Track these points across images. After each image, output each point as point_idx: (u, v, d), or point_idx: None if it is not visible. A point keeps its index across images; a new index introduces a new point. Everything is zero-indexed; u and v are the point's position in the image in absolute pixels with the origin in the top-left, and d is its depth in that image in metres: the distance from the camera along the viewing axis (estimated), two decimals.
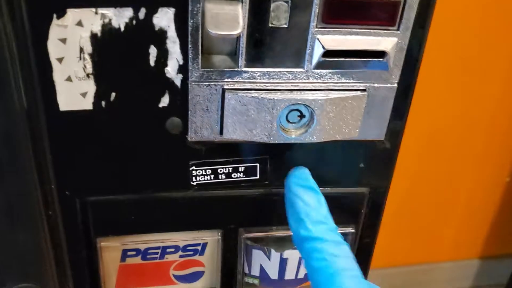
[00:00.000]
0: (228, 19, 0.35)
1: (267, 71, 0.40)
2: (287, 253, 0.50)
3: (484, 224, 1.49)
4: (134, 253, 0.48)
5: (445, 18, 0.99)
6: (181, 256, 0.49)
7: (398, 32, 0.39)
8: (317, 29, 0.38)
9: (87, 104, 0.39)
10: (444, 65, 1.10)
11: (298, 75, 0.40)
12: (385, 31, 0.39)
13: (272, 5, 0.37)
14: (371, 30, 0.39)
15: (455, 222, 1.45)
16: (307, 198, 0.42)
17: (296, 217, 0.42)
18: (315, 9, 0.37)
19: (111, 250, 0.47)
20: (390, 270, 1.45)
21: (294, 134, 0.41)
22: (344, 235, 0.49)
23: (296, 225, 0.42)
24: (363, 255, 0.51)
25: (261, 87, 0.40)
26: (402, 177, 1.20)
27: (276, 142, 0.41)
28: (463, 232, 1.48)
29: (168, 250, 0.48)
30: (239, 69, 0.39)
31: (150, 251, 0.48)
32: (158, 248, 0.48)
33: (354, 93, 0.41)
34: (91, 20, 0.36)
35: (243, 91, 0.40)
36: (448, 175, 1.34)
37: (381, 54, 0.40)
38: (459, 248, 1.51)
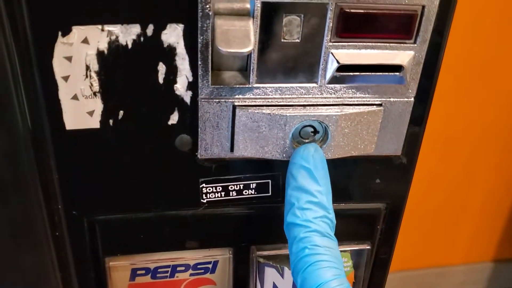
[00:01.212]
0: (239, 36, 0.33)
1: (279, 87, 0.38)
2: None
3: (498, 227, 1.48)
4: (143, 272, 0.47)
5: (457, 22, 0.97)
6: (191, 275, 0.48)
7: (415, 45, 0.38)
8: (331, 43, 0.37)
9: (94, 122, 0.38)
10: (457, 69, 1.08)
11: (311, 90, 0.39)
12: (402, 44, 0.38)
13: (285, 20, 0.36)
14: (387, 44, 0.37)
15: (468, 225, 1.43)
16: (301, 180, 0.38)
17: (287, 200, 0.39)
18: (329, 23, 0.36)
19: (120, 270, 0.46)
20: (403, 273, 1.44)
21: None
22: (360, 252, 0.48)
23: (286, 209, 0.39)
24: (379, 272, 0.50)
25: (273, 103, 0.39)
26: (415, 181, 1.19)
27: (289, 159, 0.40)
28: (476, 235, 1.46)
29: (178, 268, 0.47)
30: (250, 85, 0.38)
31: (160, 270, 0.47)
32: (168, 266, 0.47)
33: (369, 108, 0.40)
34: (97, 38, 0.35)
35: (254, 108, 0.38)
36: (462, 178, 1.32)
37: (397, 68, 0.38)
38: (472, 251, 1.50)
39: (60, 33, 0.35)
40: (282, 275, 0.49)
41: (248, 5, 0.35)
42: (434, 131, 1.17)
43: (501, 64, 1.12)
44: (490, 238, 1.50)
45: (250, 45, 0.33)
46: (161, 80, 0.37)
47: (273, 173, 0.44)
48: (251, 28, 0.34)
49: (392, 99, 0.40)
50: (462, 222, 1.43)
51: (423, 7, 0.36)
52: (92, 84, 0.37)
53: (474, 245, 1.48)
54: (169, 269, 0.47)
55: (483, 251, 1.52)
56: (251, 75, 0.37)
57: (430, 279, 1.50)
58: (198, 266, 0.47)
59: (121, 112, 0.38)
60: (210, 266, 0.48)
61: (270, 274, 0.48)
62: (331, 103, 0.39)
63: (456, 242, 1.47)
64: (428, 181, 1.28)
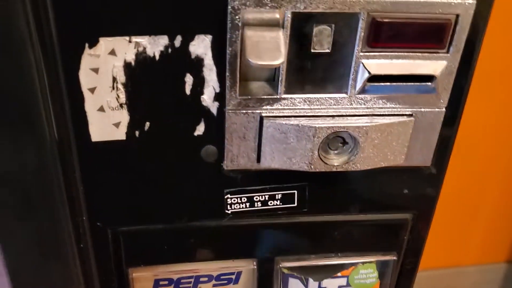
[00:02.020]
0: (269, 48, 0.33)
1: (308, 98, 0.38)
2: (326, 282, 0.48)
3: (511, 227, 1.46)
4: (166, 282, 0.46)
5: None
6: (214, 286, 0.47)
7: (448, 54, 0.37)
8: (362, 54, 0.36)
9: (120, 134, 0.38)
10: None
11: (341, 101, 0.38)
12: (434, 53, 0.37)
13: (315, 30, 0.35)
14: (419, 53, 0.36)
15: (482, 225, 1.43)
16: None
17: None
18: (360, 33, 0.35)
19: (143, 280, 0.46)
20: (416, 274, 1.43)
21: (336, 162, 0.39)
22: (386, 262, 0.47)
23: None
24: (405, 282, 0.49)
25: (301, 114, 0.38)
26: None
27: (317, 170, 0.39)
28: (489, 236, 1.45)
29: (201, 279, 0.46)
30: (278, 96, 0.37)
31: (182, 281, 0.46)
32: (191, 277, 0.46)
33: (400, 118, 0.39)
34: (125, 49, 0.35)
35: (282, 118, 0.38)
36: (475, 179, 1.31)
37: (429, 78, 0.37)
38: (485, 252, 1.49)
39: (87, 45, 0.34)
40: (306, 286, 0.48)
41: (278, 16, 0.34)
42: None
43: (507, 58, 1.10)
44: (504, 238, 1.49)
45: (281, 58, 0.33)
46: (188, 92, 0.37)
47: (299, 183, 0.43)
48: (281, 40, 0.33)
49: (423, 110, 0.39)
50: (476, 223, 1.42)
51: (457, 16, 0.35)
52: (118, 96, 0.36)
53: (488, 245, 1.48)
54: (192, 280, 0.46)
55: (497, 251, 1.51)
56: (279, 85, 0.37)
57: (443, 279, 1.49)
58: (222, 277, 0.47)
59: (147, 124, 0.38)
60: (233, 277, 0.47)
61: (294, 285, 0.48)
62: (361, 113, 0.38)
63: (470, 242, 1.46)
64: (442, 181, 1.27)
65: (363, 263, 0.47)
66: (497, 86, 1.15)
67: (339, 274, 0.47)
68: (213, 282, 0.47)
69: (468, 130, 1.20)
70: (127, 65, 0.35)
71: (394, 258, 0.47)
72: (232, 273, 0.47)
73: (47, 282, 0.41)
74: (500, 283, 1.56)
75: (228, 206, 0.43)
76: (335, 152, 0.39)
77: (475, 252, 1.48)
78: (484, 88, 1.14)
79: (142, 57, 0.35)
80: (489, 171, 1.31)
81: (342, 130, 0.38)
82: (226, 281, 0.47)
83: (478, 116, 1.18)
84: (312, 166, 0.39)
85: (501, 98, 1.16)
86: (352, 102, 0.38)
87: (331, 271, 0.47)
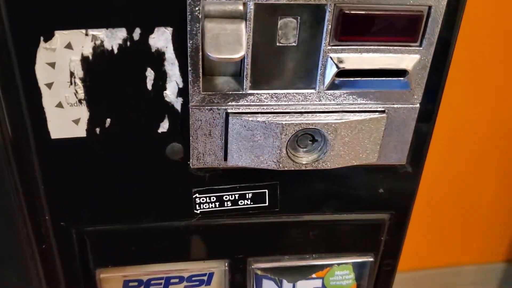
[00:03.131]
0: (229, 41, 0.31)
1: (275, 93, 0.36)
2: (300, 284, 0.46)
3: (509, 227, 1.45)
4: (136, 284, 0.45)
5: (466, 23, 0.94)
6: (186, 287, 0.46)
7: (421, 48, 0.35)
8: (329, 47, 0.34)
9: (80, 131, 0.36)
10: (463, 68, 1.05)
11: (309, 96, 0.36)
12: (406, 47, 0.35)
13: (280, 22, 0.33)
14: (390, 47, 0.35)
15: (479, 225, 1.42)
16: None
17: None
18: (327, 25, 0.33)
19: (111, 281, 0.44)
20: (414, 273, 1.43)
21: (305, 160, 0.38)
22: (363, 264, 0.46)
23: None
24: (383, 285, 0.48)
25: (268, 110, 0.37)
26: (426, 180, 1.17)
27: (286, 169, 0.38)
28: (487, 235, 1.44)
29: (172, 280, 0.45)
30: (243, 92, 0.36)
31: (153, 282, 0.45)
32: (161, 278, 0.45)
33: (371, 115, 0.37)
34: (81, 42, 0.33)
35: (248, 115, 0.36)
36: (473, 177, 1.30)
37: (401, 72, 0.36)
38: (483, 251, 1.48)
39: (42, 38, 0.33)
40: None
41: (240, 7, 0.32)
42: (444, 130, 1.15)
43: (508, 63, 1.09)
44: (501, 238, 1.48)
45: (241, 51, 0.31)
46: (149, 87, 0.35)
47: (270, 182, 0.42)
48: (243, 32, 0.32)
49: (396, 106, 0.38)
50: (474, 222, 1.41)
51: (430, 7, 0.34)
52: (77, 91, 0.35)
53: (486, 245, 1.47)
54: (163, 281, 0.45)
55: (495, 251, 1.50)
56: (244, 81, 0.35)
57: (441, 278, 1.49)
58: (193, 278, 0.45)
59: (108, 120, 0.36)
60: (205, 278, 0.46)
61: (268, 286, 0.46)
62: (330, 110, 0.37)
63: (468, 242, 1.45)
64: (440, 180, 1.26)
65: (338, 264, 0.46)
66: (497, 85, 1.13)
67: (313, 275, 0.46)
68: (185, 283, 0.46)
69: (465, 128, 1.19)
70: (84, 59, 0.34)
71: (371, 259, 0.46)
72: (204, 274, 0.46)
73: (1, 284, 0.39)
74: (498, 283, 1.55)
75: (197, 205, 0.41)
76: (305, 150, 0.38)
77: (472, 251, 1.48)
78: (484, 87, 1.12)
79: (99, 51, 0.34)
80: (486, 170, 1.30)
81: (310, 127, 0.36)
82: (198, 283, 0.46)
83: (475, 114, 1.17)
84: (280, 165, 0.38)
85: (501, 97, 1.15)
86: (321, 98, 0.36)
87: (305, 272, 0.46)
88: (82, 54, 0.34)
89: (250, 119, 0.36)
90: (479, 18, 1.00)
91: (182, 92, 0.36)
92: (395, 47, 0.35)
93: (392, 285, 0.48)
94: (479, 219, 1.40)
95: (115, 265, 0.44)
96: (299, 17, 0.33)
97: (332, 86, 0.36)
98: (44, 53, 0.33)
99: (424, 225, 1.34)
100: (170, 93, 0.36)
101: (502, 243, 1.48)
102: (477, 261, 1.50)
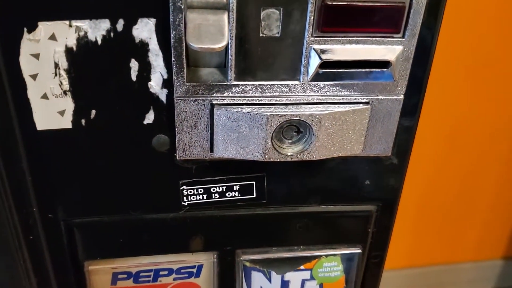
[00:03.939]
0: (211, 31, 0.31)
1: (260, 85, 0.36)
2: (289, 275, 0.47)
3: (507, 224, 1.45)
4: (125, 276, 0.45)
5: (457, 13, 0.94)
6: (175, 279, 0.46)
7: (403, 39, 0.35)
8: (312, 38, 0.34)
9: (65, 122, 0.37)
10: (467, 62, 1.05)
11: (294, 88, 0.37)
12: (389, 38, 0.35)
13: (263, 14, 0.34)
14: (373, 38, 0.35)
15: (477, 222, 1.41)
16: None
17: None
18: (310, 16, 0.34)
19: (100, 273, 0.44)
20: (411, 270, 1.42)
21: (290, 152, 0.38)
22: (351, 256, 0.46)
23: None
24: (372, 276, 0.48)
25: (253, 102, 0.37)
26: (423, 177, 1.17)
27: (271, 160, 0.38)
28: (486, 233, 1.44)
29: (161, 272, 0.45)
30: (228, 83, 0.36)
31: (142, 274, 0.45)
32: (150, 271, 0.45)
33: (355, 106, 0.37)
34: (65, 34, 0.33)
35: (233, 106, 0.36)
36: (471, 174, 1.30)
37: (384, 64, 0.36)
38: (481, 248, 1.48)
39: (25, 30, 0.33)
40: (269, 280, 0.47)
41: None
42: (442, 127, 1.14)
43: (509, 63, 1.09)
44: (500, 235, 1.47)
45: (223, 41, 0.31)
46: (134, 78, 0.35)
47: (258, 174, 0.42)
48: (225, 23, 0.32)
49: (380, 97, 0.38)
50: (472, 219, 1.41)
51: None
52: (61, 83, 0.35)
53: (484, 242, 1.46)
54: (152, 273, 0.45)
55: (493, 248, 1.50)
56: (229, 72, 0.35)
57: (439, 276, 1.48)
58: (182, 271, 0.46)
59: (93, 112, 0.36)
60: (194, 270, 0.46)
61: (257, 278, 0.47)
62: (315, 101, 0.37)
63: (466, 239, 1.45)
64: (437, 177, 1.26)
65: (326, 256, 0.46)
66: (497, 84, 1.13)
67: (302, 267, 0.46)
68: (174, 275, 0.46)
69: (464, 125, 1.19)
70: (68, 51, 0.34)
71: (359, 251, 0.46)
72: (193, 267, 0.46)
73: None
74: (496, 280, 1.55)
75: (184, 197, 0.42)
76: (290, 141, 0.38)
77: (471, 248, 1.47)
78: (485, 86, 1.12)
79: (83, 42, 0.34)
80: (484, 168, 1.29)
81: (295, 118, 0.36)
82: (187, 275, 0.46)
83: (476, 111, 1.16)
84: (266, 156, 0.38)
85: (497, 90, 1.14)
86: (305, 90, 0.37)
87: (294, 264, 0.46)
88: (66, 45, 0.34)
89: (235, 110, 0.36)
90: (480, 18, 1.00)
91: (167, 83, 0.36)
92: (378, 38, 0.35)
93: (380, 277, 0.48)
94: (477, 216, 1.40)
95: (103, 257, 0.44)
96: (282, 8, 0.34)
97: (316, 77, 0.36)
98: (28, 44, 0.33)
99: (422, 223, 1.34)
100: (155, 84, 0.36)
101: (500, 240, 1.48)
102: (475, 258, 1.49)
